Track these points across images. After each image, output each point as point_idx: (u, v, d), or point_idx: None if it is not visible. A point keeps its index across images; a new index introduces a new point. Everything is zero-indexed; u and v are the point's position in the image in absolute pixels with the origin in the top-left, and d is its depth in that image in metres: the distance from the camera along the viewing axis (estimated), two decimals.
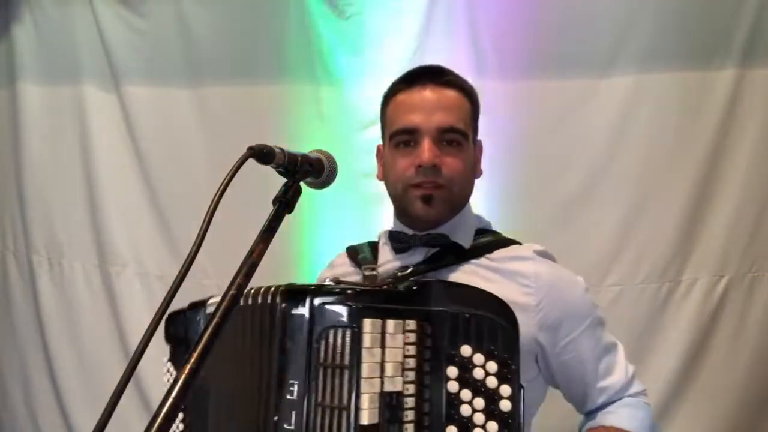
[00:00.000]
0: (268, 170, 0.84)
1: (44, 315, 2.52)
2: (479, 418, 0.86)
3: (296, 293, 0.85)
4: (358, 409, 0.81)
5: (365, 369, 0.82)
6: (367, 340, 0.82)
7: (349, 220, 2.10)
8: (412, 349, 0.86)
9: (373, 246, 1.24)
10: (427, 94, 1.10)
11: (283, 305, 0.84)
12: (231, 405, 0.92)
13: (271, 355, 0.83)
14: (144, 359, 0.69)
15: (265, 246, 0.76)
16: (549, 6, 2.07)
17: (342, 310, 0.83)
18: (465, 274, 1.08)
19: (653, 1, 2.02)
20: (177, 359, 1.13)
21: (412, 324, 0.86)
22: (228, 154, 0.79)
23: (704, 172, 2.03)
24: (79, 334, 2.48)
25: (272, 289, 0.88)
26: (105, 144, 2.43)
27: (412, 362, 0.86)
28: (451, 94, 1.12)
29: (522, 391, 0.87)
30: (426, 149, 1.06)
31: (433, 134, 1.08)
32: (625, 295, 2.05)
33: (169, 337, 1.13)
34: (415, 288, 0.91)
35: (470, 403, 0.86)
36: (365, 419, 0.80)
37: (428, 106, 1.09)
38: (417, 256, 1.12)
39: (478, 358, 0.87)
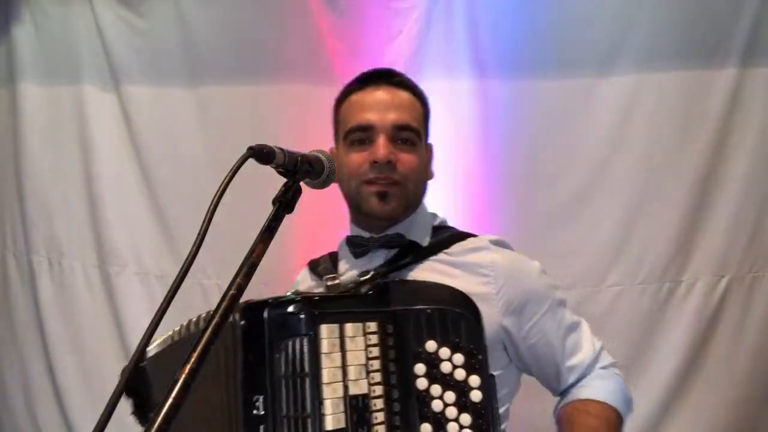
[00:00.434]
0: (268, 170, 0.84)
1: (44, 315, 2.51)
2: (451, 411, 0.87)
3: (253, 308, 0.84)
4: (321, 415, 0.81)
5: (325, 375, 0.82)
6: (325, 345, 0.82)
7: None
8: (375, 351, 0.86)
9: (334, 256, 1.23)
10: (381, 93, 1.12)
11: (242, 322, 0.83)
12: (202, 428, 0.91)
13: (235, 373, 0.83)
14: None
15: (265, 246, 0.76)
16: (549, 6, 2.07)
17: (298, 319, 0.83)
18: (425, 272, 1.08)
19: (653, 1, 2.02)
20: (140, 411, 1.13)
21: (373, 326, 0.87)
22: (228, 154, 0.79)
23: (704, 171, 2.03)
24: (79, 334, 2.48)
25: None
26: (105, 144, 2.43)
27: (376, 364, 0.86)
28: (404, 94, 1.13)
29: (492, 380, 0.89)
30: (381, 145, 1.07)
31: (388, 131, 1.08)
32: (626, 295, 2.05)
33: (128, 390, 1.11)
34: (372, 291, 0.92)
35: (441, 397, 0.87)
36: (330, 425, 0.80)
37: (382, 105, 1.10)
38: (377, 260, 1.12)
39: (444, 352, 0.88)
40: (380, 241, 1.12)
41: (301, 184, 0.87)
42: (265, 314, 0.83)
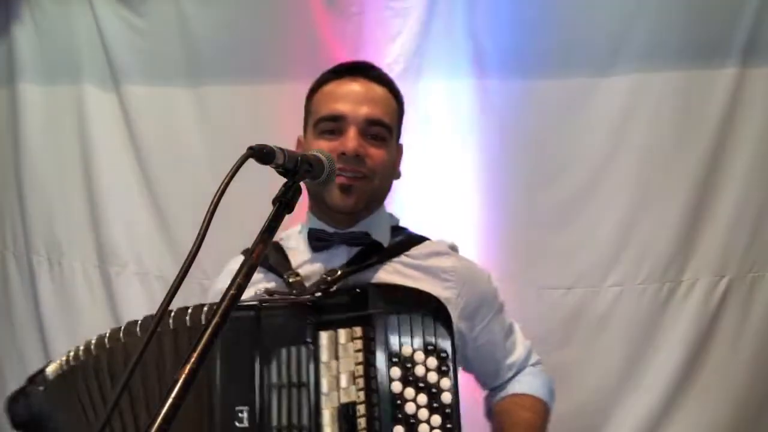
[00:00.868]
0: (268, 170, 0.84)
1: (44, 315, 2.51)
2: (423, 413, 0.87)
3: (238, 311, 0.76)
4: (320, 426, 0.78)
5: (325, 384, 0.79)
6: (324, 354, 0.80)
7: None
8: (360, 357, 0.86)
9: (278, 247, 1.16)
10: (356, 86, 1.11)
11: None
12: None
13: (212, 383, 0.79)
14: None
15: (265, 246, 0.76)
16: (549, 5, 2.07)
17: (295, 326, 0.81)
18: (389, 274, 1.07)
19: (653, 1, 2.02)
20: None
21: (358, 331, 0.86)
22: (228, 154, 0.78)
23: (705, 171, 2.03)
24: (79, 334, 2.46)
25: (205, 308, 0.83)
26: (105, 144, 2.43)
27: (360, 369, 0.86)
28: (379, 90, 1.12)
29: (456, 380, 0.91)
30: (351, 137, 1.06)
31: (359, 124, 1.07)
32: (626, 295, 2.05)
33: (17, 426, 1.07)
34: (354, 294, 0.92)
35: (414, 400, 0.88)
36: None
37: (356, 98, 1.09)
38: (339, 256, 1.09)
39: (419, 356, 0.89)
40: (344, 237, 1.11)
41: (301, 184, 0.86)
42: (256, 319, 0.79)
